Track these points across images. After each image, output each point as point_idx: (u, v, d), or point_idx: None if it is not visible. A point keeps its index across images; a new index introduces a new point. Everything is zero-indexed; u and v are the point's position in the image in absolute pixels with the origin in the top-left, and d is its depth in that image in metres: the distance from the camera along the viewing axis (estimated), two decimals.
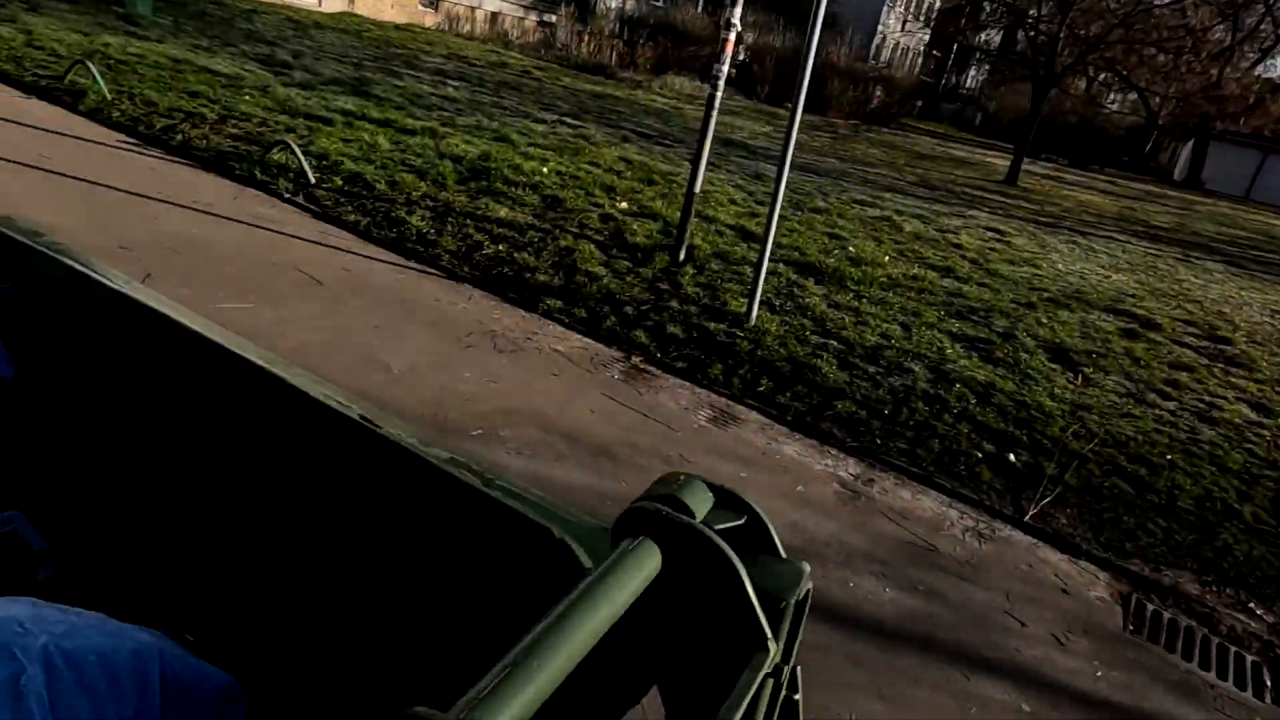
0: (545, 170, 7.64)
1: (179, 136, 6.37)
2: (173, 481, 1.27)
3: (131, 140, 6.21)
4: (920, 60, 39.01)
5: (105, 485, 1.33)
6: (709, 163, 6.16)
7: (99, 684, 0.71)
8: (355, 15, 19.21)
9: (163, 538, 1.29)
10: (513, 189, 6.82)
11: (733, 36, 5.01)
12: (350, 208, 5.64)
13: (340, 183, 6.07)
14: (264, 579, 1.17)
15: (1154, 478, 4.06)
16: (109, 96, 6.90)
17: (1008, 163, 17.50)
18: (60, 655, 0.71)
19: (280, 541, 1.17)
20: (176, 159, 6.00)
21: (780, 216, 4.87)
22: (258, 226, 5.02)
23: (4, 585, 1.15)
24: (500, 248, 5.44)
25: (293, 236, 5.00)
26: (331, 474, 1.09)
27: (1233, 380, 5.80)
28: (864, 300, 5.86)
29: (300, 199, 5.65)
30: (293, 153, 6.05)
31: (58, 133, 5.96)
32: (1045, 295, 7.11)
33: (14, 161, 5.10)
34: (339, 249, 4.98)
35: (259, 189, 5.70)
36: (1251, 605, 3.25)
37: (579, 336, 4.50)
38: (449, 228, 5.63)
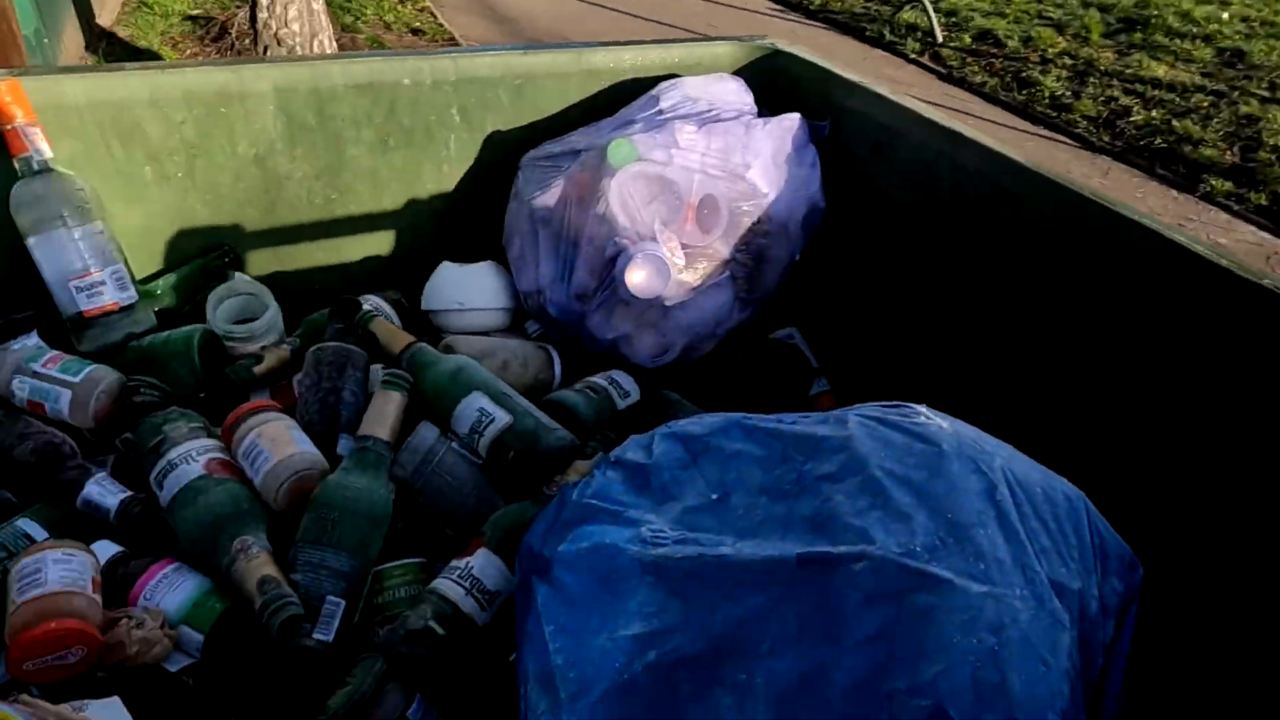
0: (1225, 16, 6.08)
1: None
2: (953, 324, 1.24)
3: (776, 5, 6.70)
4: None
5: (866, 316, 1.41)
6: None
7: (1047, 518, 0.72)
8: None
9: (925, 374, 1.28)
10: (1177, 41, 5.60)
11: None
12: (977, 67, 5.28)
13: (968, 40, 5.70)
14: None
15: None
16: None
17: None
18: (1015, 480, 0.73)
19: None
20: (814, 23, 6.30)
21: None
22: None
23: (791, 392, 1.33)
24: (1153, 114, 4.56)
25: (916, 99, 4.90)
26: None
27: None
28: None
29: (925, 59, 5.49)
30: (923, 10, 5.85)
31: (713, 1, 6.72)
32: None
33: (676, 26, 5.91)
34: (961, 112, 4.73)
35: (886, 50, 5.69)
36: None
37: (1252, 229, 3.60)
38: (1089, 89, 4.90)
